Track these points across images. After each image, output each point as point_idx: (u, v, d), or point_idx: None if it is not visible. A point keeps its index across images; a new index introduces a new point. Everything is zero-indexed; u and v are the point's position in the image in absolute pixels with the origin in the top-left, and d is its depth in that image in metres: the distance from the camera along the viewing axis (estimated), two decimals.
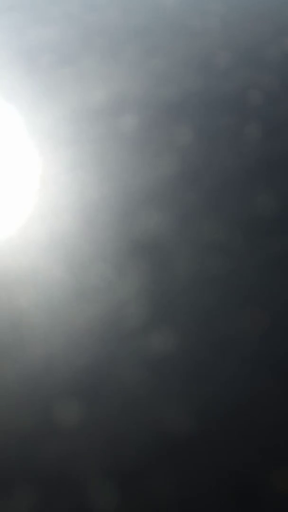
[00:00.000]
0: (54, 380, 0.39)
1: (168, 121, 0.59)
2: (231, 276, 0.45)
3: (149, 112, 0.61)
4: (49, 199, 0.52)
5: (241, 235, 0.47)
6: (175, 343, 0.41)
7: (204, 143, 0.57)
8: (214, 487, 0.34)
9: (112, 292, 0.44)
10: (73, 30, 0.75)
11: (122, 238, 0.48)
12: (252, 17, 0.75)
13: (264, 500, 0.33)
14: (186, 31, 0.73)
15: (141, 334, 0.41)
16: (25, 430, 0.37)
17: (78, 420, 0.37)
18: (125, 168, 0.54)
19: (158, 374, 0.39)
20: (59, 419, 0.37)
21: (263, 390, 0.38)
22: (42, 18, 0.78)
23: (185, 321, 0.42)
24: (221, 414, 0.37)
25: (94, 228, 0.49)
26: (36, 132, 0.59)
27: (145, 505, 0.33)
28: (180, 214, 0.50)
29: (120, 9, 0.79)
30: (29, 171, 0.55)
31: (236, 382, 0.38)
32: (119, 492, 0.34)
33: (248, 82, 0.64)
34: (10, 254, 0.47)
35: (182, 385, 0.38)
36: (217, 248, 0.47)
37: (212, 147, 0.56)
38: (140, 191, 0.52)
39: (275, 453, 0.35)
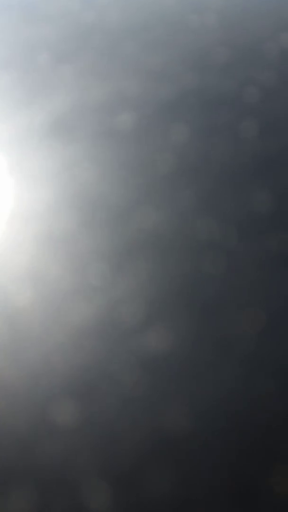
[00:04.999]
0: (52, 379, 0.39)
1: (166, 119, 0.59)
2: (228, 274, 0.45)
3: (146, 109, 0.60)
4: (46, 197, 0.52)
5: (238, 233, 0.47)
6: (173, 342, 0.41)
7: (202, 140, 0.56)
8: (212, 487, 0.34)
9: (109, 290, 0.44)
10: (71, 28, 0.75)
11: (119, 237, 0.48)
12: (250, 13, 0.75)
13: (263, 501, 0.33)
14: (183, 28, 0.73)
15: (139, 333, 0.41)
16: (23, 429, 0.37)
17: (75, 419, 0.37)
18: (122, 166, 0.54)
19: (155, 373, 0.39)
20: (57, 418, 0.37)
21: (262, 389, 0.38)
22: (39, 16, 0.78)
23: (183, 320, 0.42)
24: (219, 414, 0.37)
25: (91, 227, 0.49)
26: (33, 130, 0.59)
27: (143, 505, 0.33)
28: (177, 212, 0.50)
29: (117, 6, 0.79)
30: (25, 169, 0.55)
31: (234, 381, 0.38)
32: (117, 492, 0.34)
33: (246, 79, 0.64)
34: (7, 253, 0.47)
35: (180, 385, 0.38)
36: (214, 246, 0.47)
37: (209, 145, 0.56)
38: (137, 189, 0.52)
39: (274, 454, 0.35)
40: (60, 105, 0.62)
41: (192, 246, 0.47)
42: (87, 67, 0.67)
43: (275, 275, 0.44)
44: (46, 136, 0.58)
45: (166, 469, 0.35)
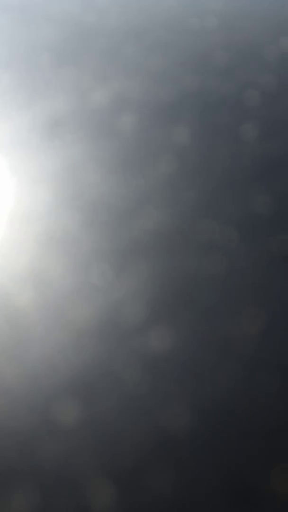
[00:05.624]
0: (53, 380, 0.39)
1: (167, 121, 0.59)
2: (229, 275, 0.45)
3: (147, 111, 0.61)
4: (47, 198, 0.52)
5: (239, 234, 0.47)
6: (174, 342, 0.41)
7: (202, 142, 0.57)
8: (213, 487, 0.34)
9: (110, 291, 0.44)
10: (72, 29, 0.75)
11: (121, 237, 0.48)
12: (251, 17, 0.75)
13: (264, 500, 0.33)
14: (184, 31, 0.73)
15: (140, 333, 0.41)
16: (24, 429, 0.37)
17: (77, 420, 0.37)
18: (123, 167, 0.54)
19: (157, 373, 0.39)
20: (58, 418, 0.37)
21: (263, 389, 0.38)
22: (40, 17, 0.78)
23: (184, 321, 0.42)
24: (220, 414, 0.37)
25: (92, 227, 0.49)
26: (34, 131, 0.59)
27: (144, 505, 0.33)
28: (178, 213, 0.50)
29: (118, 8, 0.79)
30: (27, 170, 0.55)
31: (235, 381, 0.38)
32: (118, 492, 0.34)
33: (246, 82, 0.64)
34: (8, 254, 0.47)
35: (181, 384, 0.38)
36: (215, 247, 0.47)
37: (210, 147, 0.56)
38: (139, 190, 0.52)
39: (274, 454, 0.35)
40: (61, 106, 0.62)
41: (193, 247, 0.47)
42: (88, 68, 0.68)
43: (276, 276, 0.44)
44: (47, 137, 0.58)
45: (167, 469, 0.35)
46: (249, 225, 0.48)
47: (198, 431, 0.36)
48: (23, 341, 0.41)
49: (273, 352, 0.40)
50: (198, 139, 0.57)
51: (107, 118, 0.60)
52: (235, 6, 0.78)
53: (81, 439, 0.36)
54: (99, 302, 0.43)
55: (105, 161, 0.55)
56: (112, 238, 0.48)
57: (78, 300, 0.44)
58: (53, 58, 0.70)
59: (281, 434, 0.35)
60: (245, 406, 0.37)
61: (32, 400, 0.38)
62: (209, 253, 0.46)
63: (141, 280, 0.45)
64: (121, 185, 0.53)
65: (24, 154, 0.57)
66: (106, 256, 0.47)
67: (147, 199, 0.51)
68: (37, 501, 0.34)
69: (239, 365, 0.39)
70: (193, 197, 0.51)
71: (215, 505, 0.33)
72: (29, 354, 0.40)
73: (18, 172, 0.55)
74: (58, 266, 0.46)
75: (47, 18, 0.78)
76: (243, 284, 0.44)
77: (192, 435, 0.36)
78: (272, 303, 0.42)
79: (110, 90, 0.64)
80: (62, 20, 0.77)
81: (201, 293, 0.44)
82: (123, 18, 0.76)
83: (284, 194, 0.51)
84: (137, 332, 0.41)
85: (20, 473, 0.35)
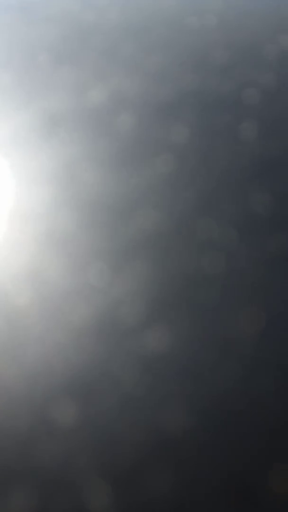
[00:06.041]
0: (52, 380, 0.39)
1: (166, 120, 0.59)
2: (227, 275, 0.45)
3: (146, 110, 0.60)
4: (46, 198, 0.52)
5: (237, 234, 0.47)
6: (173, 342, 0.40)
7: (201, 141, 0.56)
8: (213, 487, 0.34)
9: (109, 291, 0.44)
10: (71, 28, 0.75)
11: (119, 237, 0.48)
12: (250, 15, 0.75)
13: (263, 500, 0.33)
14: (183, 29, 0.73)
15: (139, 333, 0.41)
16: (22, 429, 0.37)
17: (75, 420, 0.37)
18: (121, 167, 0.54)
19: (155, 373, 0.39)
20: (57, 419, 0.37)
21: (262, 389, 0.38)
22: (39, 16, 0.78)
23: (183, 320, 0.42)
24: (219, 414, 0.37)
25: (91, 227, 0.49)
26: (32, 130, 0.59)
27: (143, 505, 0.33)
28: (177, 212, 0.50)
29: (117, 7, 0.79)
30: (25, 169, 0.55)
31: (234, 381, 0.38)
32: (117, 492, 0.34)
33: (245, 80, 0.64)
34: (7, 253, 0.47)
35: (179, 385, 0.38)
36: (213, 246, 0.47)
37: (209, 146, 0.56)
38: (137, 190, 0.52)
39: (274, 454, 0.35)
40: (59, 106, 0.62)
41: (192, 247, 0.47)
42: (87, 67, 0.67)
43: (275, 275, 0.44)
44: (46, 136, 0.58)
45: (166, 469, 0.35)
46: (248, 225, 0.48)
47: (198, 431, 0.36)
48: (21, 341, 0.41)
49: (273, 352, 0.39)
50: (197, 138, 0.57)
51: (106, 117, 0.60)
52: (235, 4, 0.78)
53: (80, 439, 0.36)
54: (98, 302, 0.43)
55: (104, 161, 0.55)
56: (111, 237, 0.48)
57: (77, 300, 0.44)
58: (52, 57, 0.70)
59: (281, 434, 0.35)
60: (245, 406, 0.37)
61: (31, 400, 0.38)
62: (208, 253, 0.46)
63: (140, 280, 0.45)
64: (120, 185, 0.53)
65: (23, 153, 0.56)
66: (105, 256, 0.47)
67: (146, 199, 0.51)
68: (36, 501, 0.34)
69: (239, 365, 0.39)
70: (192, 196, 0.51)
71: (215, 505, 0.33)
72: (28, 354, 0.40)
73: (16, 172, 0.55)
74: (57, 266, 0.46)
75: (46, 17, 0.78)
76: (243, 284, 0.44)
77: (192, 435, 0.36)
78: (272, 303, 0.42)
79: (108, 89, 0.64)
80: (61, 19, 0.77)
81: (201, 293, 0.44)
82: (122, 17, 0.76)
83: (283, 194, 0.51)
84: (136, 332, 0.41)
85: (19, 473, 0.35)
